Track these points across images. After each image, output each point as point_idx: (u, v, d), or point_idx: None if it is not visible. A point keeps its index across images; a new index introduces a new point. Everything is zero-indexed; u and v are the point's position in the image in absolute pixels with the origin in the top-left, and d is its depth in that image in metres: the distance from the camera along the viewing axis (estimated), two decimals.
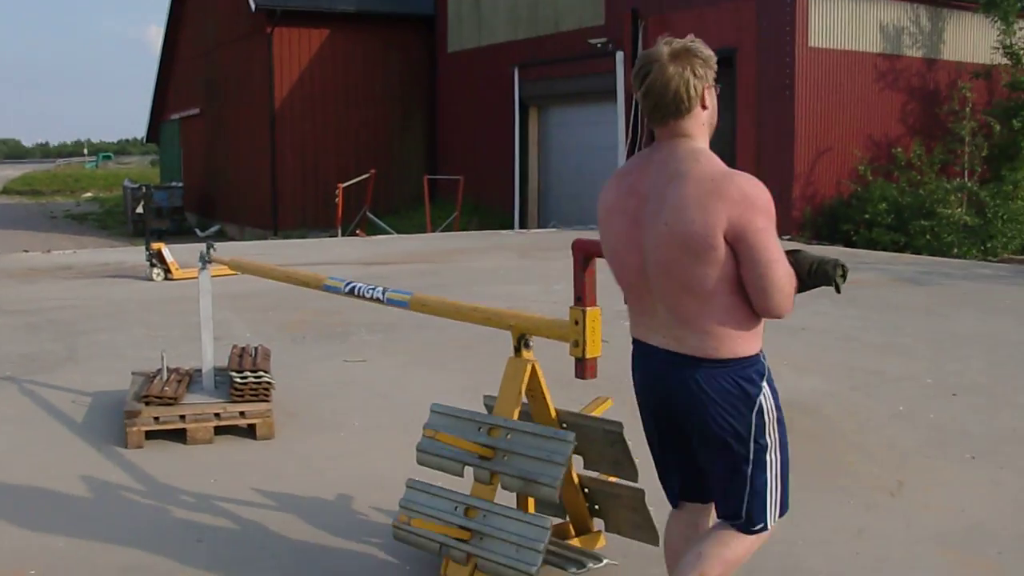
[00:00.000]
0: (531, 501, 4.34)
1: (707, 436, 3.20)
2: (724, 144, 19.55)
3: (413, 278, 12.95)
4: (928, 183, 17.74)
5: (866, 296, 11.37)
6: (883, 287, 12.16)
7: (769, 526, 3.29)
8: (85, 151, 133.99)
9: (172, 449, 5.92)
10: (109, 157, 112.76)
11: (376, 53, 28.45)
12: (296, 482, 5.43)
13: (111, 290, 12.27)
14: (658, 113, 3.13)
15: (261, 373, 6.25)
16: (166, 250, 12.99)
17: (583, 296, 3.96)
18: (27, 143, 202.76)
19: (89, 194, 59.71)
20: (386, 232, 23.08)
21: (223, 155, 32.14)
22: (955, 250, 16.67)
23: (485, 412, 4.51)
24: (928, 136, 18.99)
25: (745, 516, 3.25)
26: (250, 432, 6.13)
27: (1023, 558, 4.50)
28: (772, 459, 3.29)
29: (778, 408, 3.28)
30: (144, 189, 33.01)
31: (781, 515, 3.35)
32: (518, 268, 13.37)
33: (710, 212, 2.97)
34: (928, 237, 16.87)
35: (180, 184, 35.04)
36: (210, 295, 6.47)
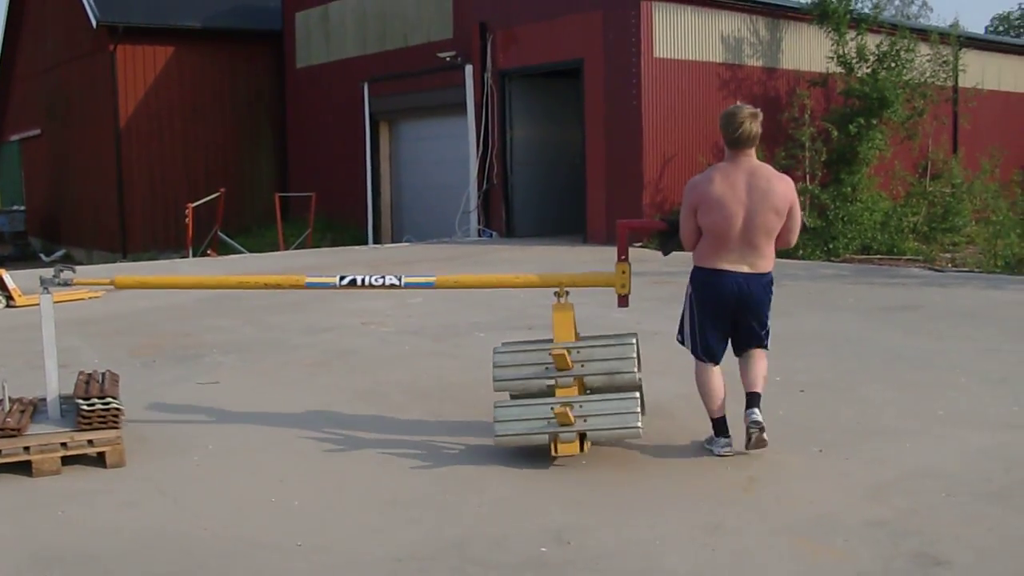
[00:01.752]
0: None
1: (761, 309, 5.99)
2: (574, 153, 19.85)
3: (265, 297, 12.75)
4: None
5: None
6: None
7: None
8: None
9: (16, 482, 5.70)
10: None
11: (223, 70, 28.00)
12: (150, 510, 5.30)
13: None
14: (745, 144, 5.85)
15: (109, 399, 6.07)
16: (7, 276, 12.53)
17: (624, 256, 6.22)
18: None
19: None
20: (238, 251, 22.71)
21: (67, 177, 31.17)
22: (800, 252, 17.16)
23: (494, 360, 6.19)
24: (771, 142, 19.51)
25: (767, 341, 6.14)
26: (100, 461, 5.95)
27: (867, 543, 4.67)
28: None
29: None
30: None
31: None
32: None
33: (788, 194, 5.90)
34: None
35: (22, 208, 33.88)
36: (53, 321, 6.26)
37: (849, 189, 18.73)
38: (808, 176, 19.16)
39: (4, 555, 4.72)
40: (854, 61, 19.75)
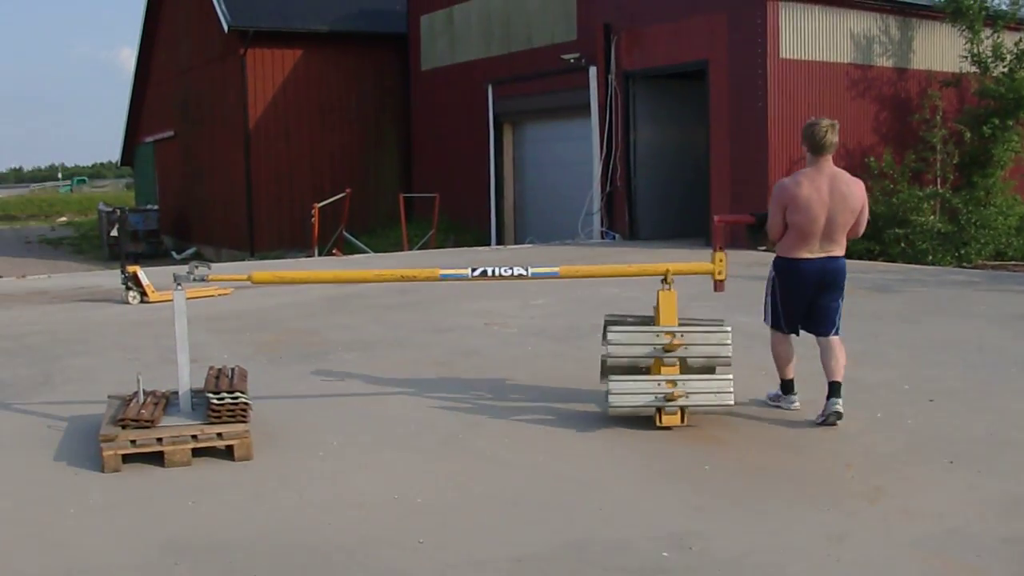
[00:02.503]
0: None
1: (837, 286, 6.86)
2: (699, 156, 19.66)
3: (391, 295, 12.92)
4: (901, 191, 17.83)
5: None
6: (858, 295, 12.21)
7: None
8: (59, 175, 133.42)
9: (149, 472, 5.88)
10: (84, 181, 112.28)
11: (349, 72, 28.47)
12: (276, 503, 5.40)
13: (86, 314, 12.20)
14: (827, 151, 6.67)
15: (238, 394, 6.21)
16: (141, 273, 12.92)
17: (719, 247, 7.24)
18: (0, 168, 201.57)
19: (64, 218, 59.44)
20: (363, 251, 23.06)
21: (198, 177, 32.05)
22: (929, 257, 16.77)
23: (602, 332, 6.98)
24: (900, 144, 19.12)
25: (839, 324, 6.93)
26: (228, 453, 6.09)
27: (1002, 562, 4.51)
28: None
29: None
30: (119, 212, 32.79)
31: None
32: (496, 284, 13.36)
33: (862, 197, 6.79)
34: (902, 245, 16.97)
35: (155, 207, 34.89)
36: (185, 316, 6.43)
37: (982, 193, 18.22)
38: (939, 179, 18.69)
39: (136, 543, 4.87)
40: (989, 60, 19.17)
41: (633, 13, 20.46)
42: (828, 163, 6.70)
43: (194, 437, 6.04)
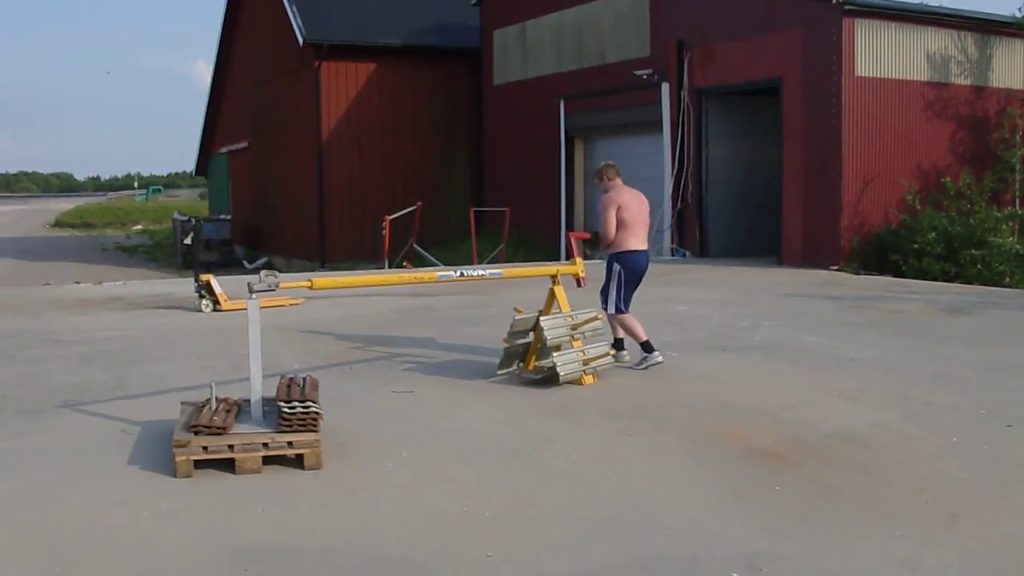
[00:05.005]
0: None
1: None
2: (770, 173, 19.51)
3: (460, 309, 12.97)
4: (979, 212, 17.54)
5: (916, 326, 11.25)
6: (933, 317, 12.03)
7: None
8: (135, 184, 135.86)
9: (221, 479, 5.95)
10: (159, 190, 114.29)
11: (422, 86, 28.67)
12: (345, 513, 5.43)
13: (161, 321, 12.39)
14: (621, 176, 9.51)
15: (309, 403, 6.26)
16: (215, 281, 13.10)
17: (573, 255, 9.20)
18: (79, 176, 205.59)
19: (139, 227, 60.51)
20: (433, 264, 23.15)
21: (271, 188, 32.44)
22: (1007, 279, 16.46)
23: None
24: (978, 164, 18.80)
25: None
26: (298, 462, 6.14)
27: None
28: None
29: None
30: (193, 221, 33.09)
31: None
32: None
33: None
34: (979, 266, 16.67)
35: (228, 217, 35.36)
36: (259, 325, 6.50)
37: None
38: (1018, 200, 18.35)
39: (206, 548, 4.92)
40: None
41: (707, 30, 20.38)
42: (625, 185, 9.35)
43: (265, 445, 6.10)
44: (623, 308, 9.13)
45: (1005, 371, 8.97)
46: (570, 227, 24.74)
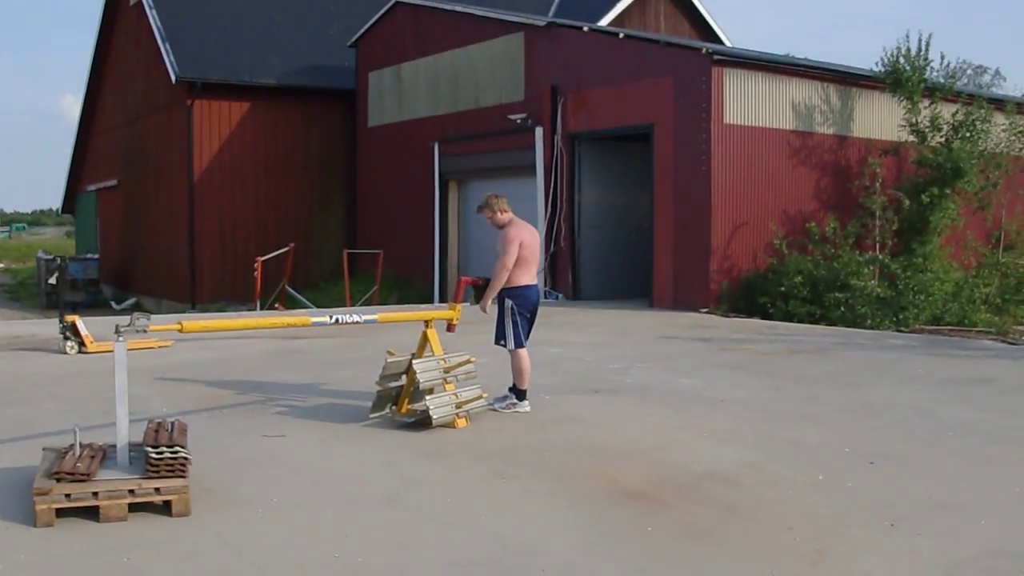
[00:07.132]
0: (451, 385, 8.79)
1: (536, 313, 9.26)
2: (642, 217, 19.85)
3: (333, 351, 12.84)
4: (842, 256, 18.09)
5: (783, 367, 11.51)
6: (799, 358, 12.33)
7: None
8: None
9: (84, 527, 5.75)
10: (23, 228, 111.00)
11: (297, 126, 28.48)
12: (213, 560, 5.31)
13: (22, 363, 11.99)
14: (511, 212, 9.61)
15: (177, 448, 6.12)
16: (80, 323, 12.74)
17: (458, 300, 9.18)
18: None
19: (1, 265, 58.53)
20: (305, 306, 22.91)
21: (140, 227, 31.76)
22: (868, 321, 16.97)
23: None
24: (841, 210, 19.41)
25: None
26: (166, 509, 5.99)
27: None
28: None
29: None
30: (58, 260, 32.25)
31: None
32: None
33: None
34: (842, 309, 17.17)
35: (96, 256, 34.47)
36: (126, 368, 6.34)
37: (920, 259, 18.52)
38: (878, 245, 18.99)
39: None
40: (927, 130, 19.60)
41: (580, 76, 20.69)
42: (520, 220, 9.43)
43: (131, 492, 5.93)
44: (523, 342, 9.08)
45: (867, 410, 9.23)
46: (443, 271, 24.75)
